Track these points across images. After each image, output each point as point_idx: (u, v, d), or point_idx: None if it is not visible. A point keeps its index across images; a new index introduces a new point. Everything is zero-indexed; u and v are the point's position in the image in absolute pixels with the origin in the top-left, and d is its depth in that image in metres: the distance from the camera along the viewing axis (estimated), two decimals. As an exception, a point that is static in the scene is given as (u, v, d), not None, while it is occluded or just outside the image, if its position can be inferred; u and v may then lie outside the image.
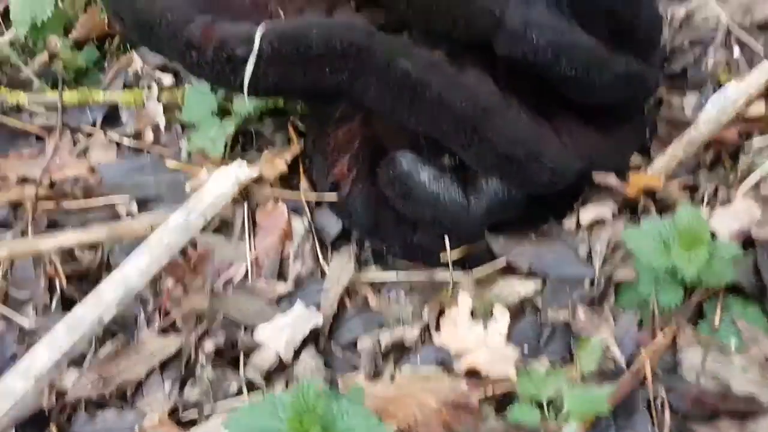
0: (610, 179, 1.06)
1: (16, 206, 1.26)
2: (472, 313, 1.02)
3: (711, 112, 1.07)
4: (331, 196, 1.11)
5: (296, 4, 1.04)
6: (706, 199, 1.09)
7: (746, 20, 1.27)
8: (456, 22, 0.93)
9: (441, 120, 0.93)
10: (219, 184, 0.93)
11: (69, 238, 1.09)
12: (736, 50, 1.26)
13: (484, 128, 0.93)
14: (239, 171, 0.96)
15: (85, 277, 1.17)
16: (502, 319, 1.00)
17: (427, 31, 0.98)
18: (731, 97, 1.09)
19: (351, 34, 0.91)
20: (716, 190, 1.11)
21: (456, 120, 0.93)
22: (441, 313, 1.04)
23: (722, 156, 1.16)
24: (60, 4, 1.39)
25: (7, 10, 1.37)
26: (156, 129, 1.33)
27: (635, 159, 1.20)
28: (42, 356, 0.87)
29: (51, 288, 1.15)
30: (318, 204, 1.17)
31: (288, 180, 1.23)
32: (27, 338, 1.10)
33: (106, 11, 1.31)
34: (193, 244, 1.12)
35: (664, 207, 1.09)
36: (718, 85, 1.23)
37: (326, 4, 1.05)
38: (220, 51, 0.91)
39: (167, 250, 0.89)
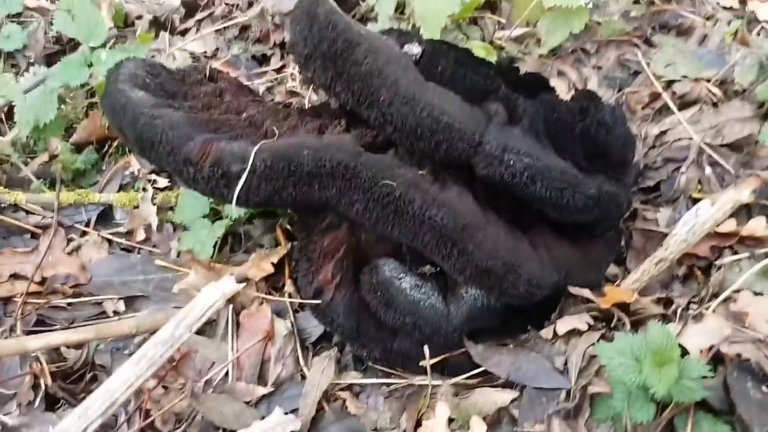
0: (585, 292, 1.11)
1: (6, 301, 1.31)
2: (450, 422, 1.05)
3: (681, 233, 1.13)
4: (315, 302, 1.15)
5: (290, 122, 1.12)
6: (678, 313, 1.13)
7: (717, 140, 1.35)
8: (438, 144, 1.01)
9: (422, 234, 0.99)
10: (207, 299, 0.98)
11: (56, 337, 1.12)
12: (708, 169, 1.33)
13: (463, 242, 0.99)
14: (226, 286, 1.01)
15: (69, 376, 1.20)
16: (478, 430, 1.02)
17: (412, 150, 1.06)
18: (703, 216, 1.15)
19: (339, 154, 0.99)
20: (689, 304, 1.16)
21: (437, 234, 0.99)
22: (419, 422, 1.07)
23: (695, 270, 1.21)
24: (62, 108, 1.48)
25: (11, 111, 1.45)
26: (148, 228, 1.39)
27: (612, 269, 1.27)
28: None
29: (36, 385, 1.18)
30: (301, 306, 1.22)
31: (274, 280, 1.29)
32: None
33: (109, 123, 1.39)
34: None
35: (638, 320, 1.13)
36: (691, 201, 1.31)
37: (318, 122, 1.13)
38: (216, 168, 0.99)
39: (153, 364, 0.93)
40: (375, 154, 1.05)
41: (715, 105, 1.41)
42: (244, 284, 1.13)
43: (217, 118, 1.10)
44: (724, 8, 1.54)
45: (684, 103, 1.43)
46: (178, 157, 1.02)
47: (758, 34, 1.48)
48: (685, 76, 1.45)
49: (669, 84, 1.46)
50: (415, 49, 1.09)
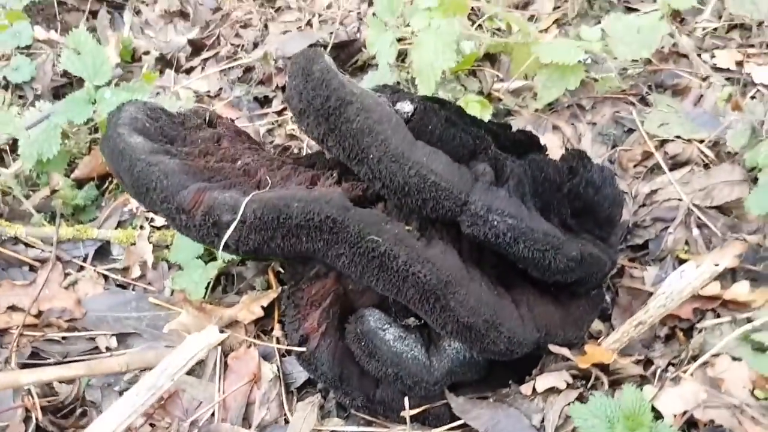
0: (564, 351, 1.16)
1: (2, 333, 1.36)
2: None
3: (660, 300, 1.17)
4: (300, 349, 1.19)
5: (283, 172, 1.18)
6: (657, 374, 1.17)
7: (706, 202, 1.40)
8: (425, 202, 1.06)
9: (406, 289, 1.04)
10: (190, 349, 1.04)
11: (49, 372, 1.17)
12: (696, 230, 1.38)
13: (446, 299, 1.03)
14: (210, 336, 1.07)
15: (60, 410, 1.25)
16: None
17: (400, 205, 1.12)
18: (683, 281, 1.19)
19: (328, 208, 1.04)
20: (669, 365, 1.20)
21: (420, 290, 1.03)
22: None
23: (677, 331, 1.26)
24: (66, 143, 1.54)
25: (15, 143, 1.52)
26: (144, 266, 1.45)
27: (596, 325, 1.32)
28: None
29: (27, 418, 1.22)
30: (288, 351, 1.26)
31: (263, 323, 1.34)
32: None
33: (107, 167, 1.46)
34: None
35: (617, 379, 1.17)
36: (678, 261, 1.36)
37: (311, 174, 1.19)
38: (208, 216, 1.05)
39: (134, 411, 0.98)
40: (364, 207, 1.11)
41: (706, 166, 1.46)
42: (227, 334, 1.18)
43: (212, 166, 1.16)
44: (721, 69, 1.60)
45: (675, 164, 1.48)
46: (171, 205, 1.08)
47: (753, 98, 1.53)
48: (678, 137, 1.51)
49: (662, 143, 1.51)
50: (407, 107, 1.14)
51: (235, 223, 1.04)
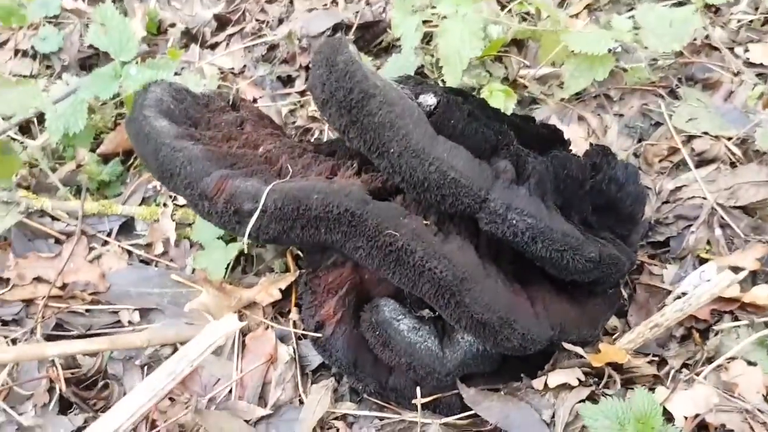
0: (578, 350, 1.17)
1: (28, 303, 1.40)
2: None
3: (678, 304, 1.18)
4: (315, 335, 1.22)
5: (304, 161, 1.19)
6: (671, 375, 1.17)
7: (730, 202, 1.39)
8: (444, 198, 1.06)
9: (422, 283, 1.05)
10: (209, 337, 1.07)
11: (73, 346, 1.22)
12: (718, 230, 1.37)
13: (461, 294, 1.04)
14: (228, 325, 1.09)
15: (83, 382, 1.29)
16: None
17: (418, 199, 1.12)
18: (706, 286, 1.19)
19: (347, 201, 1.05)
20: (683, 366, 1.21)
21: (435, 285, 1.04)
22: None
23: (693, 332, 1.26)
24: (92, 117, 1.56)
25: (42, 116, 1.53)
26: (166, 243, 1.48)
27: (613, 321, 1.32)
28: None
29: (51, 389, 1.27)
30: (304, 335, 1.28)
31: (281, 305, 1.36)
32: None
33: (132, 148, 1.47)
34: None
35: (630, 378, 1.18)
36: (698, 261, 1.35)
37: (331, 163, 1.20)
38: (229, 204, 1.07)
39: (155, 395, 1.01)
40: (383, 199, 1.12)
41: (733, 165, 1.45)
42: (245, 323, 1.21)
43: (235, 152, 1.18)
44: (754, 65, 1.57)
45: (702, 161, 1.47)
46: (194, 191, 1.10)
47: (785, 94, 1.51)
48: (706, 133, 1.49)
49: (689, 139, 1.50)
50: (430, 100, 1.14)
51: (257, 214, 1.05)
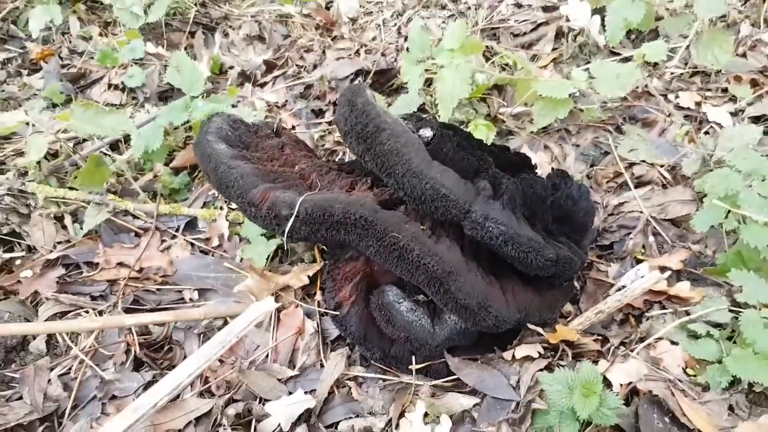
0: (538, 329, 1.17)
1: (113, 283, 1.41)
2: (425, 416, 1.11)
3: (617, 295, 1.17)
4: (335, 313, 1.23)
5: (329, 177, 1.20)
6: (611, 351, 1.17)
7: (661, 215, 1.39)
8: (437, 209, 1.07)
9: (418, 275, 1.06)
10: (251, 314, 1.07)
11: (146, 317, 1.22)
12: (651, 237, 1.37)
13: (448, 284, 1.05)
14: (267, 306, 1.10)
15: (152, 345, 1.30)
16: (446, 425, 1.09)
17: (417, 209, 1.13)
18: (638, 282, 1.19)
19: (362, 210, 1.06)
20: (621, 344, 1.20)
21: (428, 276, 1.05)
22: (402, 413, 1.13)
23: (630, 317, 1.25)
24: (167, 139, 1.57)
25: (128, 137, 1.55)
26: (221, 237, 1.47)
27: (567, 307, 1.31)
28: (128, 417, 1.00)
29: (127, 351, 1.27)
30: (325, 312, 1.28)
31: (308, 288, 1.36)
32: (105, 386, 1.22)
33: (198, 164, 1.47)
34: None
35: (579, 353, 1.18)
36: (635, 261, 1.35)
37: (351, 179, 1.20)
38: (271, 210, 1.08)
39: (208, 360, 1.02)
40: (390, 209, 1.12)
41: (664, 186, 1.44)
42: (280, 304, 1.21)
43: (276, 170, 1.19)
44: (682, 108, 1.56)
45: (640, 182, 1.46)
46: (244, 200, 1.11)
47: (706, 133, 1.49)
48: (643, 161, 1.48)
49: (630, 165, 1.49)
50: (427, 133, 1.15)
51: (292, 218, 1.06)
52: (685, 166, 1.42)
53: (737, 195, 1.18)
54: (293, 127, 1.74)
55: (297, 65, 1.93)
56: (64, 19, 2.08)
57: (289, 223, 1.06)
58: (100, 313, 1.35)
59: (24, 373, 1.22)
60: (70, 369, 1.25)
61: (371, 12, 2.09)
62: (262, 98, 1.83)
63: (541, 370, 1.13)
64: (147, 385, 1.22)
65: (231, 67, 1.98)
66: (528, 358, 1.16)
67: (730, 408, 1.06)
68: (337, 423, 1.14)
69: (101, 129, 1.44)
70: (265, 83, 1.92)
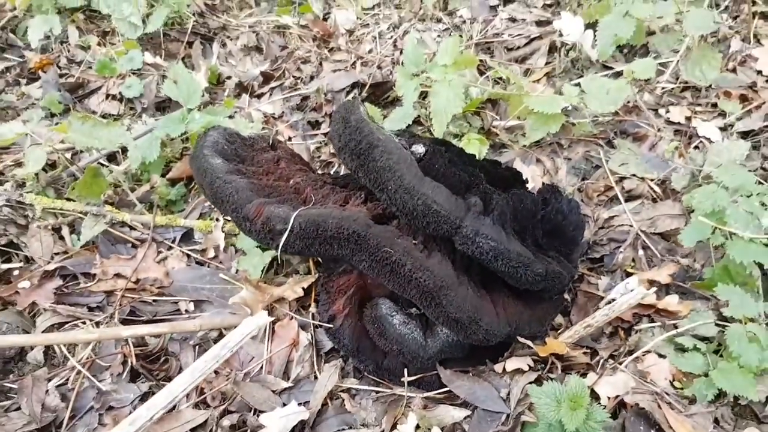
0: (528, 343, 1.19)
1: (109, 294, 1.42)
2: (417, 428, 1.13)
3: (605, 309, 1.19)
4: (328, 326, 1.25)
5: (323, 191, 1.22)
6: (600, 364, 1.19)
7: (651, 229, 1.41)
8: (428, 224, 1.09)
9: (410, 289, 1.08)
10: (245, 329, 1.09)
11: (142, 329, 1.24)
12: (641, 251, 1.39)
13: (439, 298, 1.07)
14: (260, 320, 1.12)
15: (149, 357, 1.31)
16: None
17: (409, 224, 1.15)
18: (627, 295, 1.21)
19: (355, 225, 1.08)
20: (610, 356, 1.22)
21: (420, 290, 1.07)
22: (395, 424, 1.15)
23: (619, 330, 1.27)
24: (164, 150, 1.59)
25: (125, 150, 1.57)
26: (217, 249, 1.49)
27: (558, 319, 1.33)
28: (125, 429, 1.01)
29: (124, 362, 1.29)
30: (320, 325, 1.30)
31: (303, 300, 1.37)
32: (102, 397, 1.23)
33: (194, 178, 1.47)
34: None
35: (568, 365, 1.20)
36: (625, 274, 1.37)
37: (345, 194, 1.23)
38: (265, 225, 1.10)
39: (203, 373, 1.04)
40: (383, 223, 1.15)
41: (654, 200, 1.47)
42: (274, 318, 1.22)
43: (271, 184, 1.21)
44: (672, 123, 1.59)
45: (630, 196, 1.48)
46: (239, 214, 1.13)
47: (696, 148, 1.52)
48: (634, 175, 1.51)
49: (621, 179, 1.51)
50: (420, 149, 1.17)
51: (286, 233, 1.08)
52: (675, 181, 1.44)
53: (724, 211, 1.20)
54: (289, 139, 1.76)
55: (294, 76, 1.95)
56: (62, 29, 2.10)
57: (284, 238, 1.09)
58: (97, 324, 1.36)
59: (22, 383, 1.24)
60: (67, 380, 1.27)
61: (368, 24, 2.12)
62: (259, 109, 1.85)
63: (531, 382, 1.14)
64: (143, 396, 1.24)
65: (228, 78, 1.99)
66: (518, 371, 1.18)
67: (716, 421, 1.08)
68: (331, 435, 1.16)
69: (99, 141, 1.46)
70: (262, 94, 1.94)
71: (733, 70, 1.67)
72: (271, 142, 1.41)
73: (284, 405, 1.20)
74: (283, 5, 2.28)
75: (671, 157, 1.49)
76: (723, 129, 1.55)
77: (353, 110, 1.13)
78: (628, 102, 1.63)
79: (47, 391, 1.24)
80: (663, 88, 1.67)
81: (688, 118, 1.58)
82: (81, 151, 1.70)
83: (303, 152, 1.68)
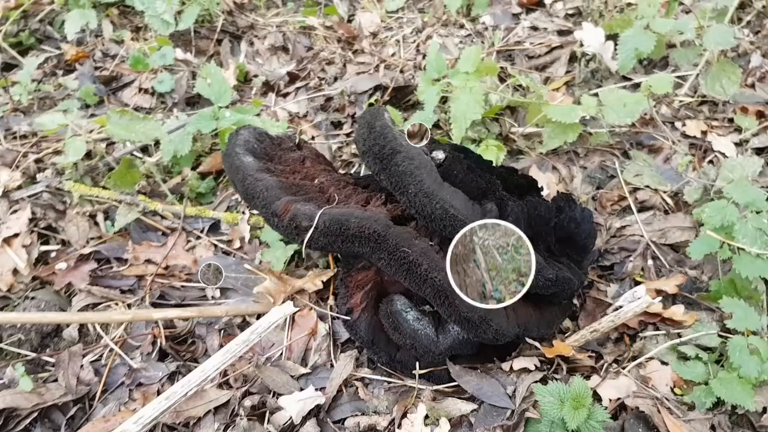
0: (536, 344, 1.25)
1: (140, 278, 1.51)
2: (425, 418, 1.19)
3: (611, 316, 1.24)
4: (346, 318, 1.32)
5: (346, 192, 1.29)
6: (604, 368, 1.25)
7: (661, 240, 1.46)
8: (445, 227, 1.15)
9: (425, 288, 1.14)
10: (273, 317, 1.17)
11: (172, 312, 1.32)
12: (650, 261, 1.44)
13: (453, 298, 1.13)
14: (287, 309, 1.20)
15: (176, 338, 1.40)
16: (444, 428, 1.17)
17: (427, 226, 1.22)
18: (632, 306, 1.25)
19: (375, 225, 1.14)
20: (614, 361, 1.28)
21: (435, 290, 1.13)
22: (405, 414, 1.21)
23: (625, 336, 1.33)
24: (195, 145, 1.67)
25: (158, 142, 1.65)
26: (243, 241, 1.57)
27: (566, 323, 1.39)
28: (162, 403, 1.10)
29: (154, 342, 1.37)
30: (337, 317, 1.37)
31: (322, 292, 1.44)
32: (133, 374, 1.32)
33: (225, 174, 1.54)
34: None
35: (573, 367, 1.26)
36: (634, 282, 1.42)
37: (366, 194, 1.30)
38: (292, 222, 1.17)
39: (233, 356, 1.12)
40: (401, 224, 1.21)
41: (666, 212, 1.51)
42: (299, 308, 1.29)
43: (297, 183, 1.28)
44: (688, 136, 1.63)
45: (643, 207, 1.53)
46: (268, 210, 1.20)
47: (710, 162, 1.56)
48: (648, 186, 1.55)
49: (635, 190, 1.56)
50: (440, 155, 1.24)
51: (311, 230, 1.16)
52: (687, 194, 1.48)
53: (732, 226, 1.25)
54: (313, 138, 1.82)
55: (318, 77, 2.01)
56: (97, 23, 2.19)
57: (308, 234, 1.16)
58: (129, 306, 1.45)
59: (59, 357, 1.33)
60: (101, 356, 1.36)
61: (391, 27, 2.18)
62: (285, 108, 1.91)
63: (536, 381, 1.20)
64: (171, 375, 1.32)
65: (255, 76, 2.07)
66: (525, 370, 1.24)
67: (713, 428, 1.13)
68: (344, 419, 1.23)
69: (135, 134, 1.54)
70: (288, 94, 2.01)
71: (752, 86, 1.71)
72: (296, 141, 1.48)
73: (302, 389, 1.27)
74: (309, 6, 2.36)
75: (685, 170, 1.54)
76: (738, 144, 1.59)
77: (378, 116, 1.20)
78: (645, 114, 1.67)
79: (82, 366, 1.33)
80: (681, 101, 1.71)
81: (704, 132, 1.62)
82: (115, 143, 1.79)
83: (325, 151, 1.75)
